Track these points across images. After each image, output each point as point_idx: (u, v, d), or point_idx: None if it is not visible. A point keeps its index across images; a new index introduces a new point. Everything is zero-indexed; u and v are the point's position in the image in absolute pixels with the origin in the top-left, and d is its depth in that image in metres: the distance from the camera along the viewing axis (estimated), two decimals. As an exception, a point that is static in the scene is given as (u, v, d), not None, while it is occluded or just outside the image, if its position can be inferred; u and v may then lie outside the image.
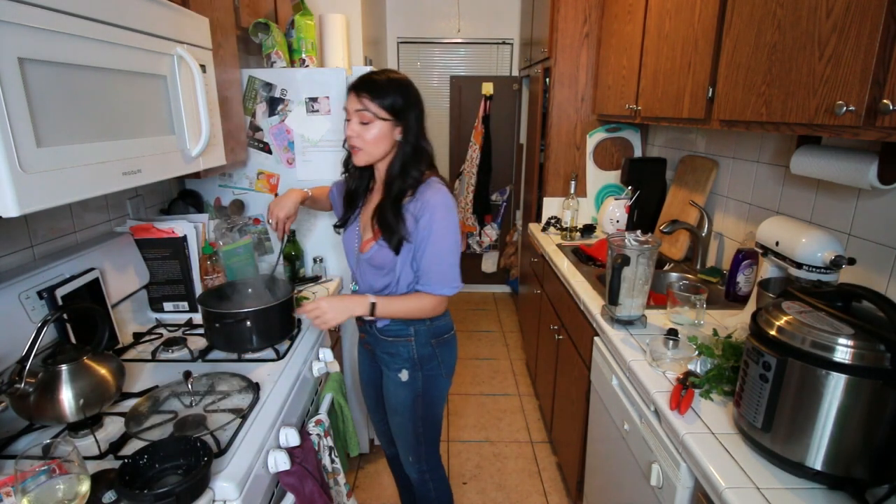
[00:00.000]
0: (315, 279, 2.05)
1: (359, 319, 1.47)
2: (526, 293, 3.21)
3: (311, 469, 1.21)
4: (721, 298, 1.71)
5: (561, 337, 2.10)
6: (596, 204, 2.81)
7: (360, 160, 1.35)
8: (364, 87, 1.29)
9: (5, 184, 0.76)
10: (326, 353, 1.59)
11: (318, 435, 1.32)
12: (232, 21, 1.72)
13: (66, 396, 1.01)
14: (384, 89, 1.29)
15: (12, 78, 0.77)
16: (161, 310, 1.72)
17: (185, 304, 1.71)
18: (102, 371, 1.08)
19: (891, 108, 0.86)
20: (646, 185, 2.36)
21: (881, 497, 0.83)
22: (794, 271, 1.29)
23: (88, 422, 1.08)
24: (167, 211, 1.93)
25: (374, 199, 1.42)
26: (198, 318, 1.65)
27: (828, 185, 1.44)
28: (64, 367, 1.03)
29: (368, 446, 2.37)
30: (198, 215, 1.81)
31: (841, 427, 0.85)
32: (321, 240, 2.12)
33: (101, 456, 1.01)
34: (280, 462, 1.11)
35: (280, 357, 1.43)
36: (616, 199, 2.53)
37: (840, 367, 0.83)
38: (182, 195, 1.99)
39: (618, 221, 2.49)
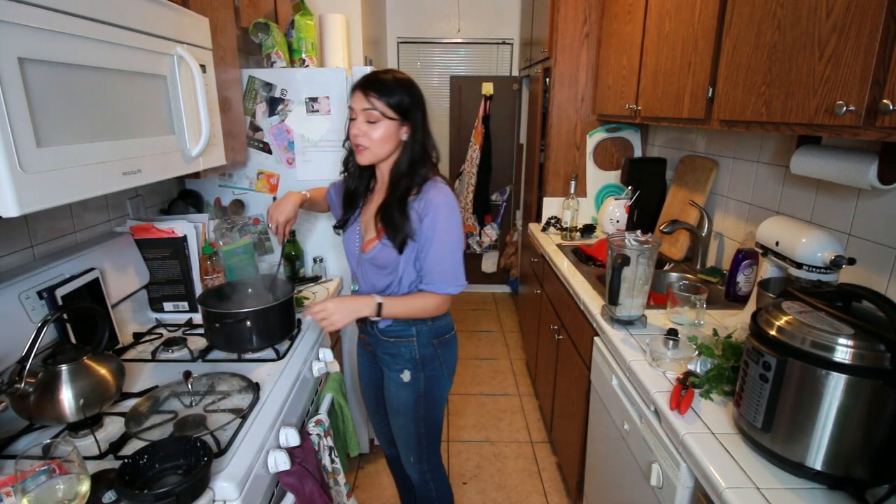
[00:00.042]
0: (315, 279, 2.05)
1: (360, 320, 1.47)
2: (526, 293, 3.21)
3: (311, 469, 1.20)
4: (721, 298, 1.71)
5: (561, 337, 2.10)
6: (596, 204, 2.81)
7: (364, 159, 1.35)
8: (371, 85, 1.29)
9: (5, 184, 0.76)
10: (326, 353, 1.59)
11: (318, 435, 1.32)
12: (232, 21, 1.72)
13: (66, 396, 1.01)
14: (391, 88, 1.29)
15: (12, 78, 0.77)
16: (161, 310, 1.72)
17: (185, 304, 1.71)
18: (102, 371, 1.09)
19: (891, 108, 0.86)
20: (646, 185, 2.36)
21: (881, 497, 0.83)
22: (794, 271, 1.29)
23: (88, 422, 1.08)
24: (167, 211, 1.93)
25: (376, 198, 1.42)
26: (198, 318, 1.65)
27: (828, 185, 1.44)
28: (64, 367, 1.03)
29: (368, 446, 2.37)
30: (198, 215, 1.80)
31: (841, 427, 0.85)
32: (321, 240, 2.12)
33: (101, 456, 1.01)
34: (280, 462, 1.11)
35: (280, 357, 1.43)
36: (616, 199, 2.53)
37: (840, 367, 0.83)
38: (182, 195, 1.99)
39: (618, 221, 2.49)
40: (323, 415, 1.40)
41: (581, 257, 2.20)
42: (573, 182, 2.62)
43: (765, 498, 0.87)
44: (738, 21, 1.34)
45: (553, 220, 2.71)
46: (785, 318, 0.92)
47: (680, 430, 1.05)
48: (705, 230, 1.99)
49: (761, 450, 0.96)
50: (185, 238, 1.66)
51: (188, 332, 1.58)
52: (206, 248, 1.72)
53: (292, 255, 2.03)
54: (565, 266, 2.11)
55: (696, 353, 1.26)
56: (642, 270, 1.42)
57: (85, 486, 0.84)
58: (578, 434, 1.83)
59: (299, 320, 1.63)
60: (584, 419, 1.76)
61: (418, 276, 1.39)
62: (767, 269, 1.43)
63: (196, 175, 1.47)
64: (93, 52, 0.93)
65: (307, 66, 2.03)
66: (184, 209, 1.93)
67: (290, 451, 1.15)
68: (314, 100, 1.96)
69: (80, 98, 0.90)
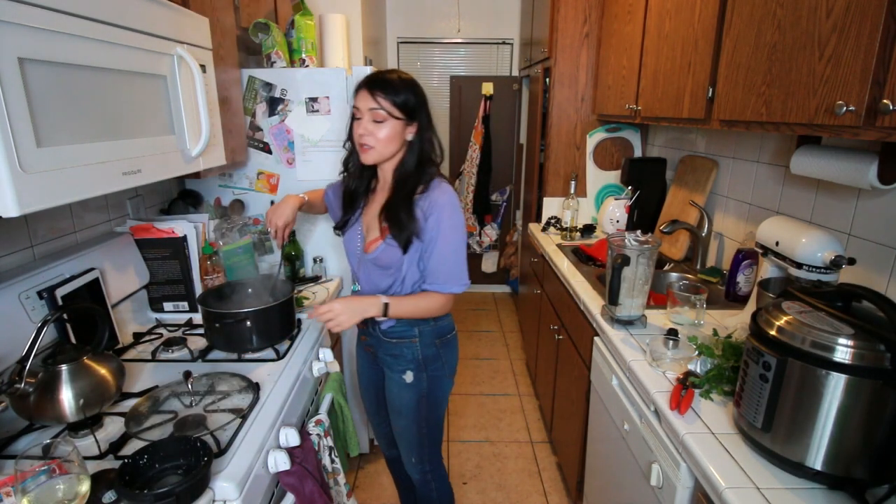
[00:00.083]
0: (315, 279, 2.05)
1: (361, 321, 1.47)
2: (526, 293, 3.21)
3: (311, 469, 1.20)
4: (721, 298, 1.71)
5: (561, 337, 2.10)
6: (596, 204, 2.81)
7: (369, 159, 1.34)
8: (378, 85, 1.29)
9: (5, 184, 0.76)
10: (326, 353, 1.59)
11: (318, 435, 1.32)
12: (232, 21, 1.72)
13: (66, 396, 1.01)
14: (397, 88, 1.29)
15: (12, 78, 0.77)
16: (161, 310, 1.72)
17: (185, 304, 1.71)
18: (102, 371, 1.09)
19: (891, 108, 0.86)
20: (646, 185, 2.36)
21: (881, 497, 0.83)
22: (794, 271, 1.29)
23: (88, 422, 1.08)
24: (167, 211, 1.93)
25: (378, 198, 1.42)
26: (198, 318, 1.65)
27: (828, 185, 1.44)
28: (64, 367, 1.03)
29: (368, 446, 2.37)
30: (198, 215, 1.80)
31: (841, 427, 0.85)
32: (321, 240, 2.12)
33: (101, 456, 1.01)
34: (280, 462, 1.11)
35: (280, 357, 1.43)
36: (616, 199, 2.53)
37: (840, 367, 0.83)
38: (182, 195, 1.99)
39: (618, 221, 2.49)
40: (323, 415, 1.40)
41: (581, 257, 2.20)
42: (573, 182, 2.62)
43: (765, 498, 0.87)
44: (738, 21, 1.34)
45: (553, 220, 2.71)
46: (785, 318, 0.92)
47: (680, 430, 1.05)
48: (705, 230, 1.99)
49: (761, 450, 0.96)
50: (185, 238, 1.66)
51: (188, 332, 1.58)
52: (206, 248, 1.72)
53: (292, 256, 2.03)
54: (565, 266, 2.11)
55: (696, 353, 1.26)
56: (642, 270, 1.42)
57: (85, 486, 0.84)
58: (578, 434, 1.83)
59: (299, 320, 1.63)
60: (584, 419, 1.76)
61: (421, 276, 1.39)
62: (767, 269, 1.43)
63: (196, 175, 1.47)
64: (93, 52, 0.93)
65: (307, 66, 2.03)
66: (184, 209, 1.93)
67: (290, 451, 1.15)
68: (314, 100, 1.96)
69: (80, 98, 0.90)
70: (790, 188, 1.60)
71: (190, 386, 1.22)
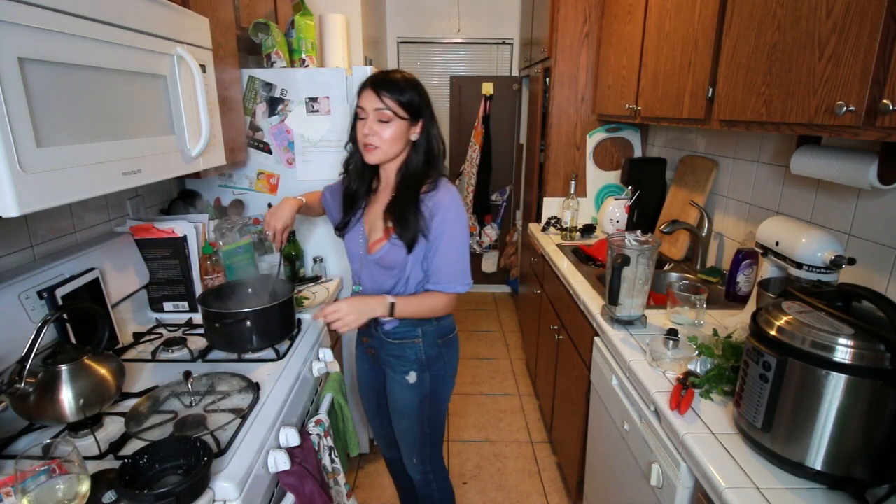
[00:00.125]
0: (315, 279, 2.05)
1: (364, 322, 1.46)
2: (526, 293, 3.21)
3: (311, 469, 1.20)
4: (721, 298, 1.71)
5: (561, 337, 2.10)
6: (596, 204, 2.81)
7: (373, 158, 1.34)
8: (383, 85, 1.29)
9: (5, 184, 0.76)
10: (326, 353, 1.59)
11: (318, 435, 1.32)
12: (232, 21, 1.72)
13: (66, 396, 1.01)
14: (402, 88, 1.29)
15: (12, 78, 0.77)
16: (161, 310, 1.72)
17: (185, 304, 1.71)
18: (102, 371, 1.08)
19: (891, 108, 0.86)
20: (646, 185, 2.36)
21: (881, 497, 0.83)
22: (794, 271, 1.29)
23: (88, 422, 1.08)
24: (167, 211, 1.93)
25: (380, 199, 1.42)
26: (198, 318, 1.65)
27: (828, 185, 1.44)
28: (64, 367, 1.03)
29: (368, 446, 2.37)
30: (198, 215, 1.80)
31: (841, 427, 0.85)
32: (321, 240, 2.12)
33: (101, 456, 1.01)
34: (280, 462, 1.11)
35: (280, 357, 1.43)
36: (616, 199, 2.53)
37: (840, 367, 0.83)
38: (182, 195, 1.99)
39: (618, 221, 2.49)
40: (323, 415, 1.40)
41: (581, 257, 2.20)
42: (573, 182, 2.62)
43: (765, 498, 0.87)
44: (738, 21, 1.34)
45: (553, 220, 2.71)
46: (785, 318, 0.92)
47: (680, 430, 1.05)
48: (705, 230, 1.99)
49: (761, 450, 0.96)
50: (185, 238, 1.66)
51: (188, 332, 1.58)
52: (206, 248, 1.72)
53: (292, 256, 2.03)
54: (565, 266, 2.11)
55: (696, 353, 1.26)
56: (642, 270, 1.42)
57: (85, 486, 0.84)
58: (578, 434, 1.83)
59: (299, 320, 1.63)
60: (584, 419, 1.76)
61: (425, 276, 1.39)
62: (767, 269, 1.43)
63: (196, 175, 1.47)
64: (93, 52, 0.93)
65: (307, 66, 2.03)
66: (184, 209, 1.93)
67: (290, 451, 1.15)
68: (314, 100, 1.96)
69: (80, 98, 0.90)
70: (790, 188, 1.60)
71: (190, 386, 1.22)
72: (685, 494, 1.05)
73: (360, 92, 1.33)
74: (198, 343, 1.49)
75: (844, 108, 0.94)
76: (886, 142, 1.07)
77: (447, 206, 1.32)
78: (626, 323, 1.50)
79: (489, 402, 2.90)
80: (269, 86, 1.94)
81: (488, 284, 4.47)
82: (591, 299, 1.72)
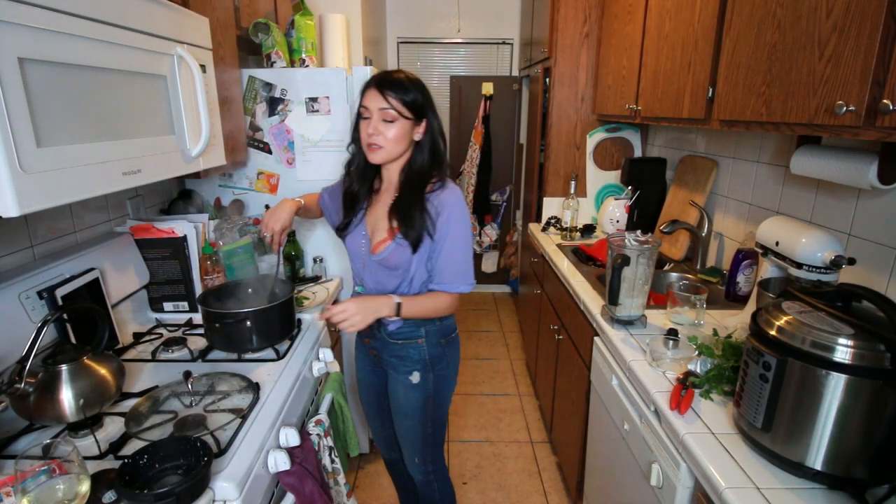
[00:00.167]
0: (315, 279, 2.05)
1: None
2: (526, 293, 3.21)
3: (311, 469, 1.20)
4: (721, 298, 1.71)
5: (561, 337, 2.10)
6: (596, 204, 2.81)
7: (377, 158, 1.34)
8: (388, 85, 1.28)
9: (5, 184, 0.76)
10: (326, 353, 1.59)
11: (318, 435, 1.32)
12: (232, 21, 1.72)
13: (66, 396, 1.01)
14: (407, 87, 1.29)
15: (12, 78, 0.77)
16: (161, 310, 1.72)
17: (185, 304, 1.71)
18: (102, 371, 1.08)
19: (891, 108, 0.86)
20: (646, 185, 2.36)
21: (881, 497, 0.83)
22: (794, 271, 1.29)
23: (88, 422, 1.08)
24: (167, 211, 1.93)
25: (383, 199, 1.41)
26: (198, 318, 1.65)
27: (828, 185, 1.44)
28: (64, 367, 1.03)
29: (368, 446, 2.37)
30: (198, 215, 1.80)
31: (841, 427, 0.85)
32: (321, 240, 2.12)
33: (101, 456, 1.01)
34: (280, 462, 1.11)
35: (280, 357, 1.43)
36: (616, 199, 2.53)
37: (840, 367, 0.83)
38: (182, 195, 1.99)
39: (618, 221, 2.49)
40: (323, 415, 1.40)
41: (581, 257, 2.20)
42: (573, 182, 2.62)
43: (765, 498, 0.87)
44: (738, 21, 1.34)
45: (553, 220, 2.71)
46: (785, 318, 0.92)
47: (680, 430, 1.05)
48: (705, 230, 1.99)
49: (761, 450, 0.96)
50: (185, 238, 1.66)
51: (188, 332, 1.58)
52: (206, 248, 1.72)
53: (292, 255, 2.03)
54: (565, 266, 2.11)
55: (696, 353, 1.26)
56: (642, 270, 1.42)
57: (85, 486, 0.84)
58: (578, 434, 1.83)
59: (299, 320, 1.63)
60: (584, 419, 1.76)
61: (429, 276, 1.39)
62: (767, 269, 1.43)
63: (196, 175, 1.47)
64: (93, 52, 0.93)
65: (307, 66, 2.03)
66: (184, 209, 1.93)
67: (290, 451, 1.15)
68: (314, 100, 1.96)
69: (80, 98, 0.90)
70: (790, 188, 1.60)
71: (190, 386, 1.22)
72: (685, 494, 1.05)
73: (363, 92, 1.32)
74: (198, 343, 1.49)
75: (844, 108, 0.94)
76: (886, 142, 1.07)
77: (452, 205, 1.33)
78: (626, 323, 1.50)
79: (489, 402, 2.90)
80: (269, 86, 1.94)
81: (488, 284, 4.47)
82: (591, 299, 1.72)
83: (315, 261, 2.08)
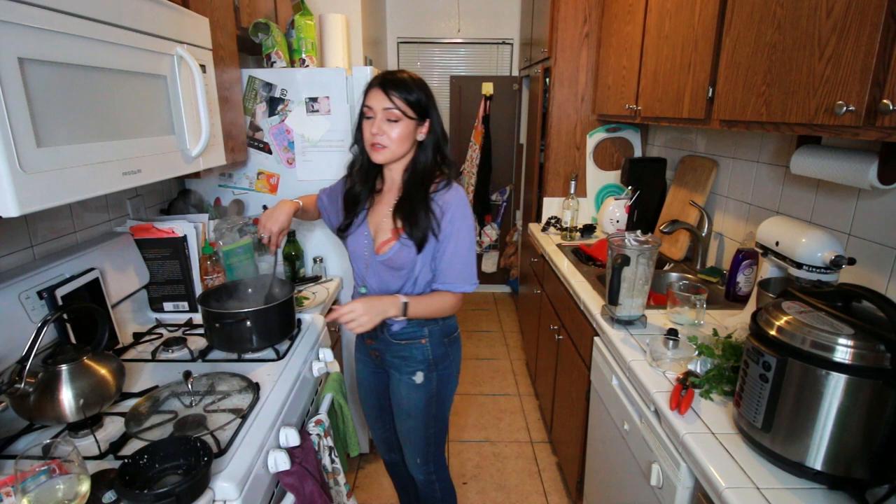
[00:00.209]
0: (315, 279, 2.05)
1: None
2: (526, 293, 3.21)
3: (311, 469, 1.20)
4: (721, 298, 1.71)
5: (561, 337, 2.10)
6: (596, 204, 2.81)
7: (380, 158, 1.33)
8: (392, 84, 1.28)
9: (5, 184, 0.76)
10: (326, 353, 1.59)
11: (318, 435, 1.32)
12: (232, 21, 1.72)
13: (66, 396, 1.01)
14: (410, 87, 1.29)
15: (12, 78, 0.77)
16: (161, 310, 1.72)
17: (185, 304, 1.71)
18: (102, 371, 1.08)
19: (891, 108, 0.86)
20: (646, 185, 2.35)
21: (881, 497, 0.83)
22: (794, 271, 1.29)
23: (88, 422, 1.08)
24: (167, 211, 1.93)
25: (385, 199, 1.41)
26: (198, 318, 1.65)
27: (828, 185, 1.44)
28: (64, 367, 1.02)
29: (368, 446, 2.37)
30: (198, 215, 1.81)
31: (841, 427, 0.85)
32: (321, 240, 2.12)
33: (101, 456, 1.01)
34: (280, 462, 1.11)
35: (280, 357, 1.43)
36: (616, 199, 2.53)
37: (840, 367, 0.83)
38: (182, 195, 1.99)
39: (618, 221, 2.49)
40: (323, 415, 1.40)
41: (581, 257, 2.20)
42: (573, 182, 2.62)
43: (765, 498, 0.87)
44: (738, 21, 1.34)
45: (553, 220, 2.71)
46: (785, 318, 0.92)
47: (680, 430, 1.05)
48: (705, 230, 1.99)
49: (761, 450, 0.96)
50: (185, 238, 1.66)
51: (188, 332, 1.58)
52: (206, 248, 1.72)
53: (292, 255, 2.03)
54: (565, 266, 2.11)
55: (696, 353, 1.26)
56: (642, 270, 1.42)
57: (85, 486, 0.84)
58: (578, 434, 1.83)
59: (299, 320, 1.63)
60: (584, 419, 1.76)
61: (433, 276, 1.39)
62: (767, 269, 1.43)
63: (196, 175, 1.47)
64: (93, 52, 0.93)
65: (307, 66, 2.03)
66: (184, 209, 1.93)
67: (290, 451, 1.15)
68: (314, 100, 1.96)
69: (80, 98, 0.90)
70: (790, 188, 1.60)
71: (190, 386, 1.22)
72: (685, 494, 1.05)
73: (366, 91, 1.32)
74: (198, 343, 1.49)
75: (844, 108, 0.94)
76: (886, 142, 1.08)
77: (456, 205, 1.33)
78: (626, 323, 1.50)
79: (489, 402, 2.90)
80: (269, 86, 1.94)
81: (488, 284, 4.47)
82: (591, 299, 1.72)
83: (315, 261, 2.08)
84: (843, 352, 0.83)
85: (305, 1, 2.07)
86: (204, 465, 0.91)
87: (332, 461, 1.38)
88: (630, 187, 2.39)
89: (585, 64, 2.66)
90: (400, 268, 1.36)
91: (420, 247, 1.32)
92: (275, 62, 1.97)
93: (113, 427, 1.12)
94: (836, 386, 0.83)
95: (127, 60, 1.03)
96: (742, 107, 1.30)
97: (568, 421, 2.03)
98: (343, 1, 2.78)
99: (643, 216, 2.38)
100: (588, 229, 2.57)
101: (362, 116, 1.34)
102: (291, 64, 2.04)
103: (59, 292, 1.25)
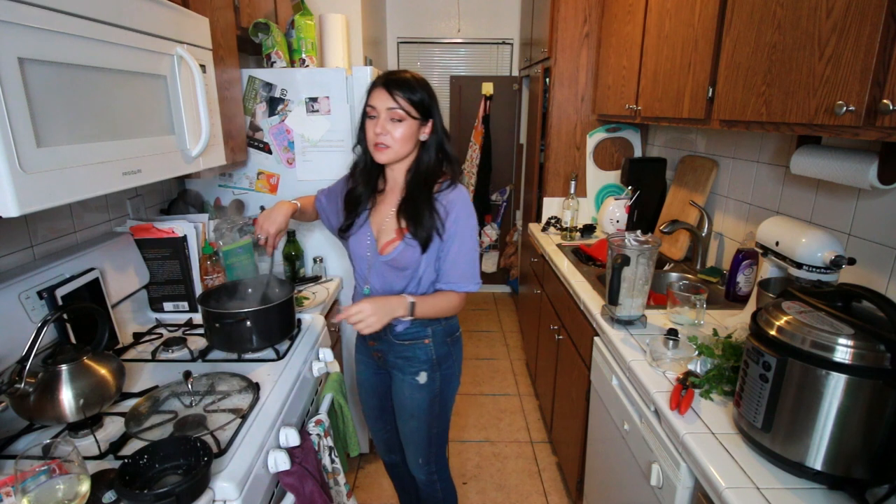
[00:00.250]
0: (315, 279, 2.05)
1: None
2: (526, 293, 3.21)
3: (311, 469, 1.20)
4: (721, 298, 1.71)
5: (561, 337, 2.10)
6: (596, 204, 2.81)
7: (383, 158, 1.33)
8: (396, 84, 1.28)
9: (5, 184, 0.76)
10: (326, 353, 1.59)
11: (318, 435, 1.32)
12: (232, 21, 1.72)
13: (66, 396, 1.01)
14: (414, 87, 1.29)
15: (12, 78, 0.77)
16: (161, 310, 1.72)
17: (185, 304, 1.71)
18: (102, 371, 1.08)
19: (891, 108, 0.86)
20: (646, 185, 2.35)
21: (881, 497, 0.83)
22: (794, 271, 1.29)
23: (88, 422, 1.08)
24: (167, 211, 1.93)
25: (388, 199, 1.41)
26: (198, 318, 1.65)
27: (828, 185, 1.44)
28: (64, 367, 1.03)
29: (368, 446, 2.37)
30: (198, 215, 1.81)
31: (841, 427, 0.85)
32: (321, 240, 2.12)
33: (101, 456, 1.02)
34: (280, 462, 1.11)
35: (280, 357, 1.43)
36: (616, 199, 2.53)
37: (840, 367, 0.83)
38: (182, 195, 1.99)
39: (618, 221, 2.49)
40: (323, 415, 1.40)
41: (581, 257, 2.20)
42: (573, 182, 2.61)
43: (765, 498, 0.87)
44: (737, 21, 1.34)
45: (553, 220, 2.71)
46: (785, 318, 0.92)
47: (680, 430, 1.05)
48: (705, 230, 1.99)
49: (761, 450, 0.96)
50: (185, 238, 1.66)
51: (188, 332, 1.58)
52: (206, 248, 1.72)
53: (292, 255, 2.03)
54: (565, 266, 2.11)
55: (696, 353, 1.26)
56: (642, 270, 1.42)
57: (85, 486, 0.84)
58: (578, 434, 1.83)
59: (299, 320, 1.63)
60: (584, 419, 1.76)
61: (437, 276, 1.38)
62: (767, 269, 1.43)
63: (196, 175, 1.47)
64: (93, 52, 0.93)
65: (307, 66, 2.03)
66: (184, 209, 1.93)
67: (290, 451, 1.15)
68: (314, 100, 1.96)
69: (80, 98, 0.90)
70: (790, 188, 1.60)
71: (190, 386, 1.22)
72: (685, 494, 1.05)
73: (369, 91, 1.32)
74: (198, 343, 1.49)
75: (844, 108, 0.94)
76: (886, 142, 1.08)
77: (461, 205, 1.33)
78: (626, 323, 1.50)
79: (489, 402, 2.90)
80: (269, 86, 1.94)
81: (488, 284, 4.47)
82: (591, 299, 1.72)
83: (315, 261, 2.08)
84: (843, 352, 0.83)
85: (305, 1, 2.07)
86: (204, 465, 0.91)
87: (332, 461, 1.38)
88: (630, 187, 2.39)
89: (585, 64, 2.66)
90: (404, 268, 1.36)
91: (425, 247, 1.32)
92: (275, 62, 1.97)
93: (113, 427, 1.12)
94: (836, 386, 0.83)
95: (127, 60, 1.03)
96: (742, 107, 1.30)
97: (568, 421, 2.03)
98: (343, 1, 2.78)
99: (643, 216, 2.38)
100: (588, 229, 2.57)
101: (365, 116, 1.34)
102: (291, 64, 2.04)
103: (59, 292, 1.25)
